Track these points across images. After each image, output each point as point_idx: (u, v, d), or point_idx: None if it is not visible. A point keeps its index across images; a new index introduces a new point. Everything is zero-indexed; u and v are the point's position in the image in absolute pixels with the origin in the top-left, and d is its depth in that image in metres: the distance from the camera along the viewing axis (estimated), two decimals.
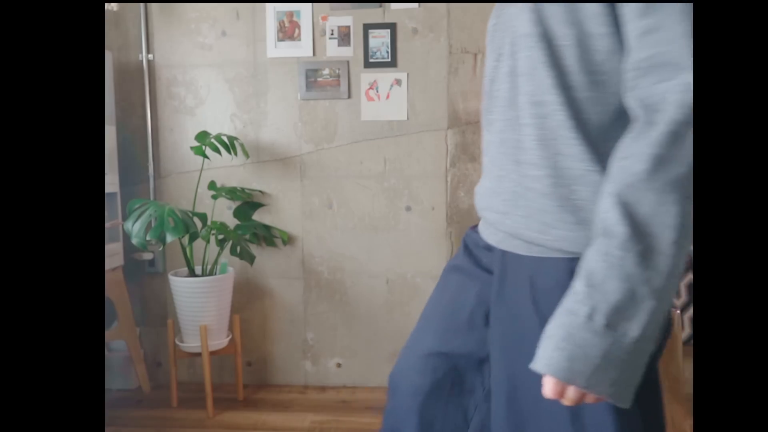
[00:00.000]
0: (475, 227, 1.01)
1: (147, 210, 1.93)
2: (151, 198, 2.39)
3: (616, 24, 0.73)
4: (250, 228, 2.29)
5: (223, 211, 2.37)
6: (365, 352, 2.42)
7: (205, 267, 2.23)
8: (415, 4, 2.23)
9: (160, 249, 2.39)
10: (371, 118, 2.29)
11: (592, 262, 0.68)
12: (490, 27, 0.91)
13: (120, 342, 2.37)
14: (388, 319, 2.37)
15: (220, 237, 2.22)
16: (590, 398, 0.69)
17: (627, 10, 0.70)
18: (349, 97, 2.30)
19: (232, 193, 2.29)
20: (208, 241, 2.18)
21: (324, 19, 2.27)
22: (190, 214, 2.00)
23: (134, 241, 1.87)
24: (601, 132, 0.76)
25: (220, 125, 2.36)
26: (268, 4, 2.28)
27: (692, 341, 2.22)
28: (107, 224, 2.15)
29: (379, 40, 2.25)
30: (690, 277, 2.23)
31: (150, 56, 2.35)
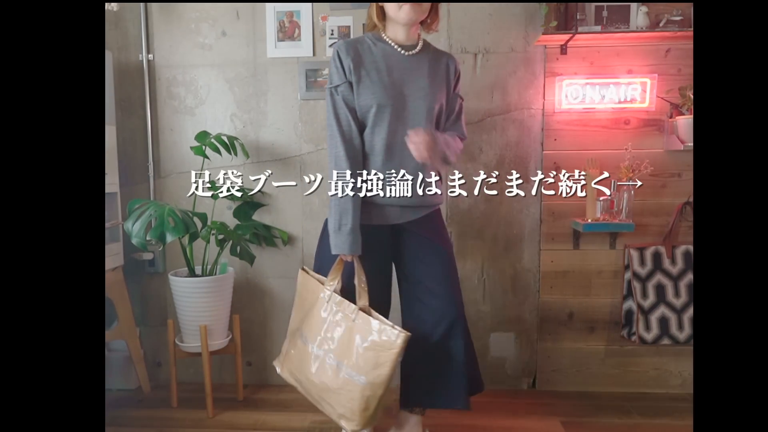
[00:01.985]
0: None
1: (147, 210, 1.93)
2: (151, 198, 2.39)
3: None
4: (250, 228, 2.29)
5: (223, 211, 2.37)
6: None
7: (205, 267, 2.23)
8: None
9: (160, 249, 2.39)
10: None
11: None
12: None
13: (120, 342, 2.36)
14: None
15: (220, 237, 2.22)
16: None
17: None
18: None
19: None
20: (208, 241, 2.18)
21: (324, 19, 2.27)
22: (190, 214, 1.99)
23: (134, 241, 1.87)
24: None
25: (220, 125, 2.36)
26: (268, 4, 2.28)
27: (692, 341, 2.22)
28: (107, 224, 2.15)
29: None
30: (690, 277, 2.23)
31: (150, 56, 2.35)
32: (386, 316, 1.69)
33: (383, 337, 1.54)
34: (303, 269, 1.78)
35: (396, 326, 1.55)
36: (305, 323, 1.70)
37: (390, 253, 1.78)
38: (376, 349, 1.54)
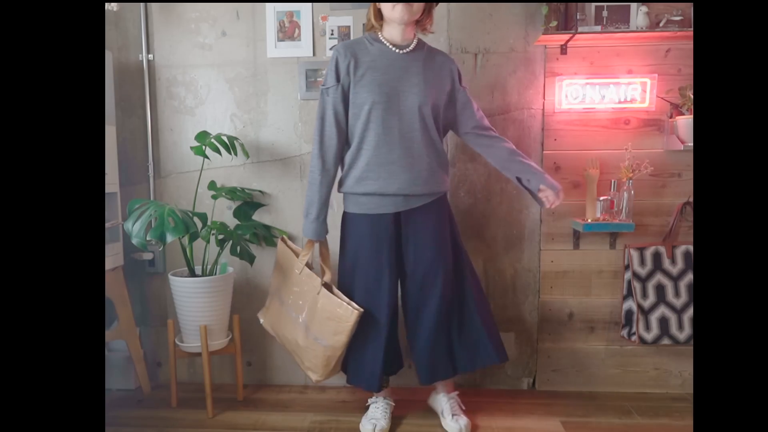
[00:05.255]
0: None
1: (147, 210, 1.92)
2: (151, 198, 2.39)
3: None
4: (250, 228, 2.29)
5: (223, 211, 2.37)
6: None
7: (205, 267, 2.22)
8: None
9: (160, 249, 2.39)
10: None
11: None
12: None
13: (120, 342, 2.36)
14: None
15: (220, 237, 2.22)
16: None
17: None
18: None
19: (232, 193, 2.28)
20: (208, 241, 2.18)
21: (324, 19, 2.27)
22: (190, 214, 1.99)
23: (134, 241, 1.87)
24: None
25: (220, 125, 2.36)
26: (268, 4, 2.28)
27: (692, 341, 2.22)
28: (107, 224, 2.15)
29: None
30: (690, 277, 2.23)
31: (150, 56, 2.35)
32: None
33: (340, 312, 1.81)
34: (282, 239, 2.04)
35: (351, 304, 1.81)
36: (282, 288, 2.00)
37: (394, 241, 1.90)
38: (335, 320, 1.82)
